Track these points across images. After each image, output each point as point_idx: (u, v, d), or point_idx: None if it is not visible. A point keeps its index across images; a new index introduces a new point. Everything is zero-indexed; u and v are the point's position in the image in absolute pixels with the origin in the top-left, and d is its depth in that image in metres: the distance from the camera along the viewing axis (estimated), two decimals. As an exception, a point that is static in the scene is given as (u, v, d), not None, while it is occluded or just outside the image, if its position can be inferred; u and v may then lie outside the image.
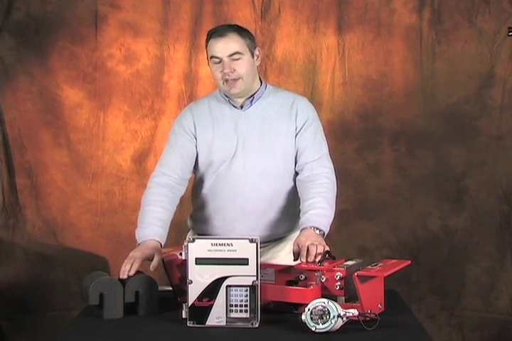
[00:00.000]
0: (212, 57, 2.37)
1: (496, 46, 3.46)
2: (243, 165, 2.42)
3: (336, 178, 2.46)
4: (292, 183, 2.46)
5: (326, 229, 2.32)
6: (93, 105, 3.53)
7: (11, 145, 3.49)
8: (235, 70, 2.35)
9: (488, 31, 3.46)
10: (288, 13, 3.52)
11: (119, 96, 3.54)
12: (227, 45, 2.35)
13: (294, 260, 2.20)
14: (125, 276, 2.15)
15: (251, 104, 2.45)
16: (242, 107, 2.45)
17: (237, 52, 2.35)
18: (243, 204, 2.43)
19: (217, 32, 2.38)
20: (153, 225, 2.35)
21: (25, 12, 3.46)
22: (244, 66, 2.37)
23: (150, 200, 2.42)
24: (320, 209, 2.33)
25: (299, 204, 2.41)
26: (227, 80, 2.36)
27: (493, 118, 3.49)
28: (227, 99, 2.46)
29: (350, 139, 3.55)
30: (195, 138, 2.46)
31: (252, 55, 2.41)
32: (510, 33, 3.42)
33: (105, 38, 3.51)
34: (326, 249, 2.17)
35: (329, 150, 2.50)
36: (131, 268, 2.17)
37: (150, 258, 2.22)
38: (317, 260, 2.13)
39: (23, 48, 3.47)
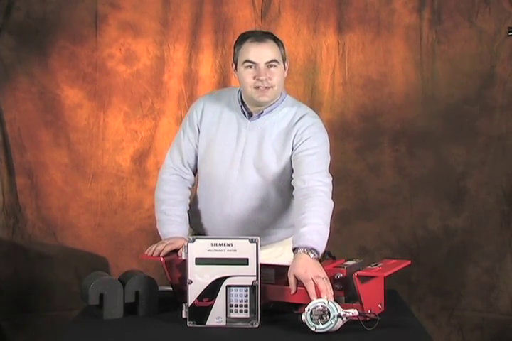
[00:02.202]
0: (246, 61, 2.30)
1: (496, 46, 3.46)
2: (237, 177, 2.40)
3: (336, 181, 2.41)
4: (285, 200, 2.42)
5: (321, 248, 2.14)
6: (93, 105, 3.52)
7: (11, 145, 3.49)
8: (270, 78, 2.30)
9: (488, 31, 3.46)
10: (288, 13, 3.52)
11: (119, 96, 3.53)
12: (266, 51, 2.29)
13: (293, 293, 2.05)
14: (155, 254, 2.22)
15: (258, 117, 2.40)
16: (251, 116, 2.41)
17: (274, 60, 2.30)
18: (230, 213, 2.42)
19: (255, 36, 2.32)
20: (176, 222, 2.40)
21: (25, 12, 3.45)
22: (279, 75, 2.32)
23: (166, 199, 2.46)
24: (312, 226, 2.17)
25: (290, 216, 2.39)
26: (258, 87, 2.31)
27: (493, 118, 3.49)
28: (239, 104, 2.41)
29: (350, 139, 3.55)
30: (199, 131, 2.46)
31: (284, 66, 2.36)
32: (510, 33, 3.42)
33: (105, 38, 3.51)
34: (326, 279, 2.03)
35: (331, 160, 2.42)
36: (163, 249, 2.23)
37: (178, 248, 2.25)
38: (329, 296, 1.97)
39: (23, 48, 3.46)
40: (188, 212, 2.51)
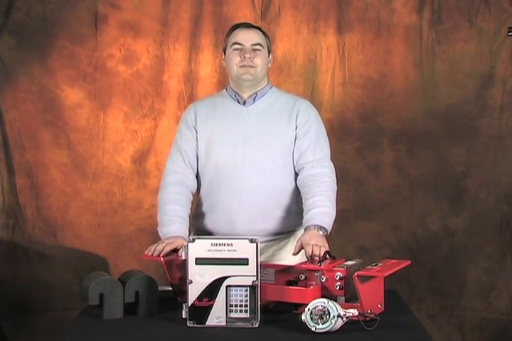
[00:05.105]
0: (234, 43, 2.50)
1: (496, 46, 3.46)
2: (242, 160, 2.46)
3: (337, 178, 2.48)
4: (291, 181, 2.50)
5: (329, 228, 2.36)
6: (93, 105, 3.52)
7: (11, 145, 3.49)
8: (254, 58, 2.49)
9: (488, 31, 3.46)
10: (288, 13, 3.52)
11: (119, 96, 3.54)
12: (252, 35, 2.52)
13: (294, 254, 2.28)
14: (155, 254, 2.23)
15: (254, 101, 2.53)
16: (245, 103, 2.52)
17: (259, 44, 2.51)
18: (242, 196, 2.46)
19: (244, 24, 2.59)
20: (176, 222, 2.42)
21: (25, 12, 3.46)
22: (262, 58, 2.51)
23: (168, 199, 2.49)
24: (322, 208, 2.37)
25: (301, 202, 2.44)
26: (243, 66, 2.48)
27: (493, 118, 3.49)
28: (233, 93, 2.54)
29: (350, 139, 3.55)
30: (196, 131, 2.53)
31: (268, 54, 2.56)
32: (510, 33, 3.42)
33: (105, 38, 3.51)
34: (325, 247, 2.23)
35: (331, 153, 2.54)
36: (163, 249, 2.25)
37: (178, 248, 2.27)
38: (315, 259, 2.18)
39: (23, 48, 3.47)
40: (191, 216, 2.52)
